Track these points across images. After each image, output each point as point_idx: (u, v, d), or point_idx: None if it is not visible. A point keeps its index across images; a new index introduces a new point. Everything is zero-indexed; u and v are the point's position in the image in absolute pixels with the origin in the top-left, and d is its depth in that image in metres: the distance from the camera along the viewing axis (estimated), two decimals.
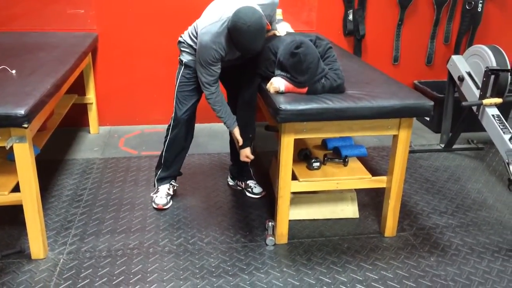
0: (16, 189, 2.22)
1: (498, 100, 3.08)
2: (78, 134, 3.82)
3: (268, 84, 2.35)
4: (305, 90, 2.30)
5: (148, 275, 2.24)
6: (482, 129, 3.17)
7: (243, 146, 2.58)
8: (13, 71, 2.49)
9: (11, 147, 2.10)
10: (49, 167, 3.21)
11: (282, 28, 2.62)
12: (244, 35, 2.21)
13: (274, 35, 2.55)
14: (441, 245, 2.52)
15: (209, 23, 2.34)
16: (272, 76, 2.36)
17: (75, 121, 3.89)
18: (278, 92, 2.32)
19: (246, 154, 2.61)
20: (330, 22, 4.02)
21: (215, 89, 2.46)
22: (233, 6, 2.28)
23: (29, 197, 2.21)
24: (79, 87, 3.64)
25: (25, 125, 2.02)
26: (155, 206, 2.78)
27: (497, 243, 2.54)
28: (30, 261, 2.31)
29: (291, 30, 2.66)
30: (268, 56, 2.40)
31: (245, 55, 2.41)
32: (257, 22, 2.20)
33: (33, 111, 2.08)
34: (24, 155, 2.13)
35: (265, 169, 3.24)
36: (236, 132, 2.56)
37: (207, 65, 2.38)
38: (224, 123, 2.58)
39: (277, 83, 2.31)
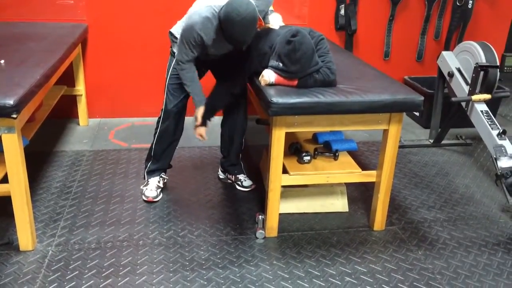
0: (4, 180, 2.20)
1: (487, 96, 3.12)
2: (67, 126, 3.79)
3: (260, 77, 2.35)
4: (295, 82, 2.30)
5: (138, 267, 2.24)
6: (470, 125, 3.20)
7: (201, 125, 2.55)
8: (2, 61, 2.46)
9: None
10: (38, 159, 3.19)
11: (274, 20, 2.61)
12: (236, 27, 2.19)
13: (269, 29, 2.53)
14: (429, 239, 2.55)
15: (201, 8, 2.32)
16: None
17: (64, 112, 3.86)
18: (268, 84, 2.32)
19: (201, 133, 2.57)
20: (322, 16, 4.02)
21: (186, 66, 2.45)
22: None
23: (18, 189, 2.19)
24: (68, 79, 3.61)
25: (14, 116, 2.00)
26: (145, 199, 2.77)
27: (483, 237, 2.58)
28: (18, 252, 2.29)
29: (282, 22, 2.66)
30: (264, 50, 2.38)
31: (235, 47, 2.39)
32: (250, 14, 2.19)
33: (22, 102, 2.05)
34: (13, 146, 2.11)
35: (256, 163, 3.24)
36: (200, 110, 2.53)
37: (187, 44, 2.36)
38: (193, 100, 2.55)
39: (267, 76, 2.31)
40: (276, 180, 2.39)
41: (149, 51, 3.80)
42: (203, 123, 2.56)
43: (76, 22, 3.63)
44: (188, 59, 2.42)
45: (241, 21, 2.17)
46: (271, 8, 2.63)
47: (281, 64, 2.28)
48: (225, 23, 2.21)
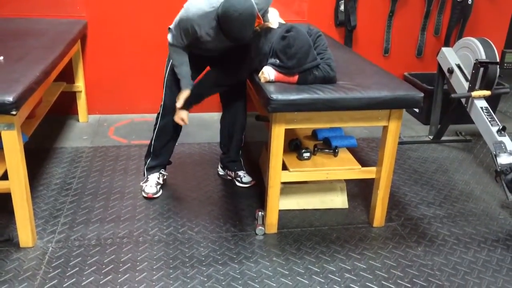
0: (4, 177, 2.20)
1: (487, 93, 3.11)
2: (67, 123, 3.79)
3: (259, 74, 2.35)
4: (295, 79, 2.30)
5: (138, 263, 2.24)
6: (470, 121, 3.20)
7: (182, 108, 2.55)
8: (1, 58, 2.45)
9: None
10: (38, 155, 3.19)
11: (272, 17, 2.60)
12: (234, 23, 2.18)
13: (269, 28, 2.52)
14: (428, 235, 2.56)
15: (200, 1, 2.31)
16: None
17: (64, 109, 3.85)
18: (268, 81, 2.32)
19: (182, 117, 2.58)
20: (321, 12, 4.01)
21: (177, 50, 2.46)
22: None
23: (18, 185, 2.19)
24: (68, 75, 3.60)
25: (14, 112, 2.00)
26: (145, 195, 2.77)
27: (483, 234, 2.58)
28: (19, 249, 2.29)
29: (279, 18, 2.65)
30: (264, 50, 2.37)
31: (233, 43, 2.37)
32: (248, 10, 2.17)
33: (21, 98, 2.05)
34: (12, 143, 2.11)
35: (255, 159, 3.24)
36: (184, 93, 2.52)
37: (180, 31, 2.36)
38: (180, 82, 2.54)
39: (267, 73, 2.31)
40: (276, 176, 2.39)
41: (149, 48, 3.79)
42: (185, 107, 2.54)
43: (75, 18, 3.62)
44: (178, 45, 2.43)
45: (239, 17, 2.16)
46: None
47: (278, 61, 2.29)
48: (223, 19, 2.20)
